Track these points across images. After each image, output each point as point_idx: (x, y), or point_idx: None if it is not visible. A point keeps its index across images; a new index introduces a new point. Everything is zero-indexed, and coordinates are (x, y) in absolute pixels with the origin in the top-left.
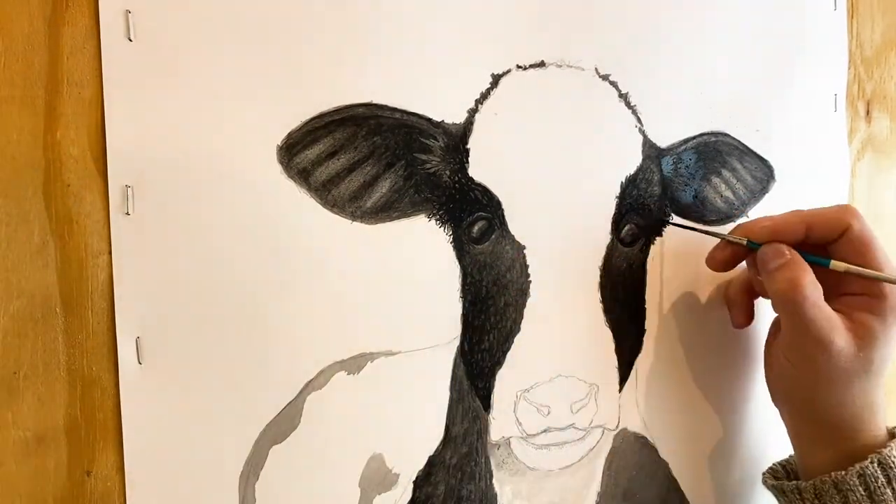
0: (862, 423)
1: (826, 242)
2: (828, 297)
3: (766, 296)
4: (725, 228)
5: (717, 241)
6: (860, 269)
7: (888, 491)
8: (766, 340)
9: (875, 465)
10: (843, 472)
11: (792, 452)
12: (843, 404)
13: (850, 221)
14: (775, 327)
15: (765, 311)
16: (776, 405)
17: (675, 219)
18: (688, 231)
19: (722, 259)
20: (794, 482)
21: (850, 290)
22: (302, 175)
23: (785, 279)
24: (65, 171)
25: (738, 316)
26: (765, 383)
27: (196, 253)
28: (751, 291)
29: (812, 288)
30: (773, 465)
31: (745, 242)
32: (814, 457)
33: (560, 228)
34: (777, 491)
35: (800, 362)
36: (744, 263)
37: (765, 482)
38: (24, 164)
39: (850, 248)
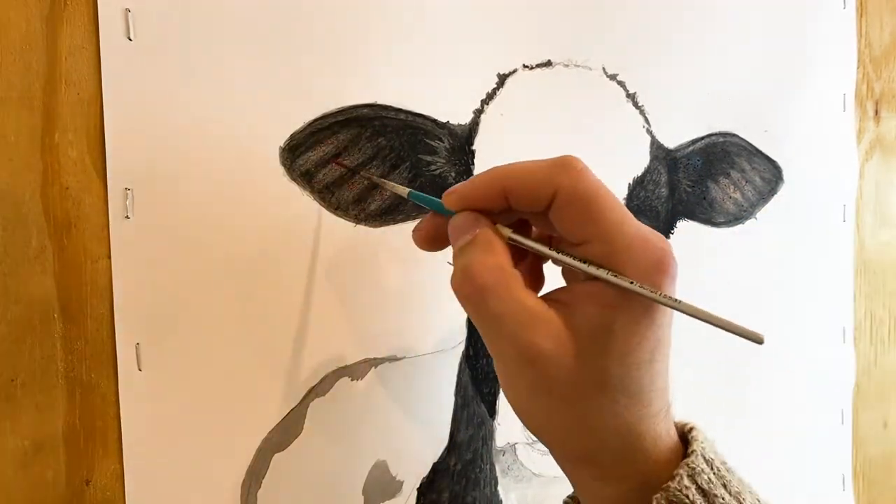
0: (627, 455)
1: (539, 212)
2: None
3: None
4: (734, 231)
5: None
6: (545, 249)
7: None
8: None
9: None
10: None
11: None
12: (585, 431)
13: (559, 183)
14: None
15: (771, 311)
16: None
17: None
18: (695, 233)
19: (428, 234)
20: None
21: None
22: (305, 177)
23: (459, 267)
24: (63, 174)
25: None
26: (771, 388)
27: (197, 257)
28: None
29: (499, 274)
30: (565, 499)
31: (438, 208)
32: (592, 495)
33: None
34: None
35: (507, 377)
36: None
37: None
38: (22, 167)
39: (568, 214)
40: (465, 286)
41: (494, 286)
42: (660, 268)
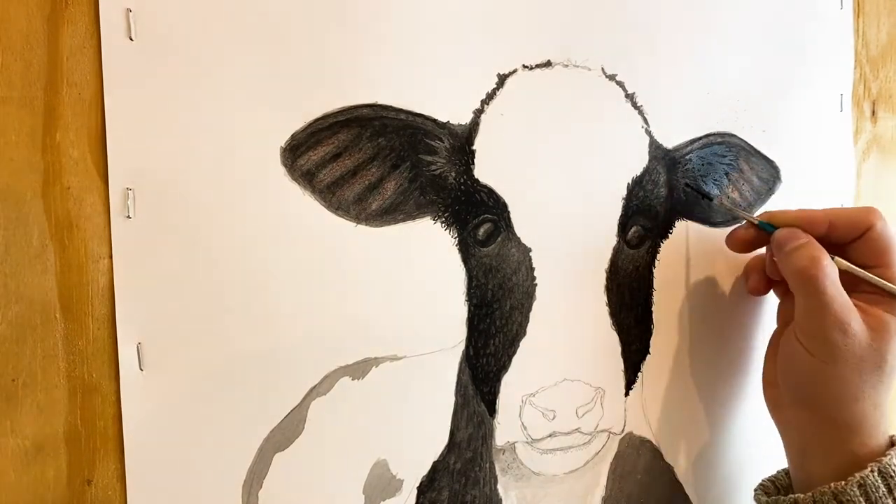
0: (867, 425)
1: (845, 242)
2: (845, 290)
3: (776, 277)
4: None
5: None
6: (863, 272)
7: (889, 501)
8: (774, 334)
9: (875, 474)
10: (843, 483)
11: (780, 468)
12: (855, 399)
13: (873, 222)
14: (784, 318)
15: (767, 310)
16: (776, 413)
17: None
18: (695, 232)
19: (743, 239)
20: (791, 496)
21: (866, 287)
22: (306, 177)
23: (806, 256)
24: (64, 174)
25: (754, 281)
26: None
27: (198, 257)
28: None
29: (831, 268)
30: (763, 481)
31: (764, 226)
32: (812, 467)
33: (566, 230)
34: None
35: (816, 345)
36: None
37: (757, 500)
38: (23, 167)
39: (868, 248)
40: (814, 270)
41: (831, 275)
42: None
